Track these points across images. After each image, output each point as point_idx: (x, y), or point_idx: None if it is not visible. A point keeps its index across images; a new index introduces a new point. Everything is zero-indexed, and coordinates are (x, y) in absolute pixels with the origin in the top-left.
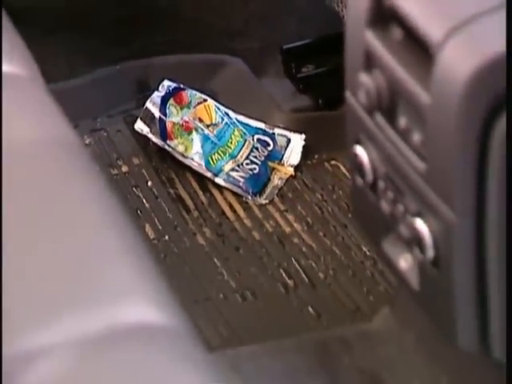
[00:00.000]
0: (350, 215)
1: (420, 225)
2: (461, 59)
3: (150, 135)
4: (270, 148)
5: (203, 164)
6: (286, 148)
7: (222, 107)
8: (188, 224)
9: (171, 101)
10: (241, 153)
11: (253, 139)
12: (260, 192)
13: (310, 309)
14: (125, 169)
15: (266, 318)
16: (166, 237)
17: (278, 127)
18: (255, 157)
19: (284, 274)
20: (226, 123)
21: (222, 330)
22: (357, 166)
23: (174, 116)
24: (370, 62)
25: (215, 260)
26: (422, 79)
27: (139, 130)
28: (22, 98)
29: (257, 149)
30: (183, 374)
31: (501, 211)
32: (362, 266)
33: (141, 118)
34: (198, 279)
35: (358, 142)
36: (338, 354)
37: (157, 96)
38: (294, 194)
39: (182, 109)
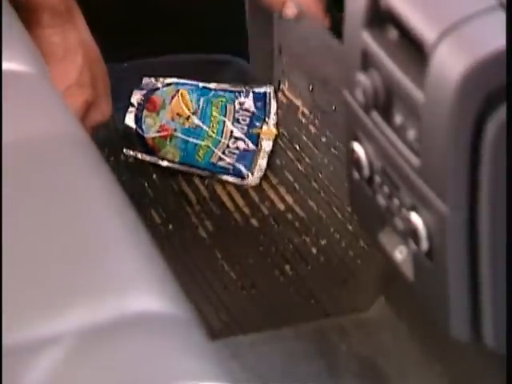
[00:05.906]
0: (349, 208)
1: (414, 218)
2: (454, 59)
3: (139, 155)
4: (250, 112)
5: (193, 164)
6: (264, 104)
7: (198, 85)
8: (191, 217)
9: (145, 112)
10: (224, 134)
11: (234, 105)
12: (251, 166)
13: (309, 298)
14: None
15: (265, 308)
16: (170, 229)
17: (256, 87)
18: (238, 130)
19: (282, 260)
20: (204, 102)
21: (224, 319)
22: (354, 162)
23: (152, 128)
24: (366, 61)
25: (216, 251)
26: (416, 78)
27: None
28: (32, 95)
29: (238, 121)
30: (186, 361)
31: (492, 204)
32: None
33: (125, 138)
34: (200, 270)
35: (356, 139)
36: (336, 341)
37: (131, 113)
38: (283, 163)
39: (157, 114)
